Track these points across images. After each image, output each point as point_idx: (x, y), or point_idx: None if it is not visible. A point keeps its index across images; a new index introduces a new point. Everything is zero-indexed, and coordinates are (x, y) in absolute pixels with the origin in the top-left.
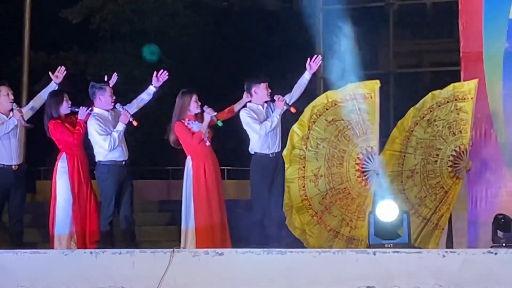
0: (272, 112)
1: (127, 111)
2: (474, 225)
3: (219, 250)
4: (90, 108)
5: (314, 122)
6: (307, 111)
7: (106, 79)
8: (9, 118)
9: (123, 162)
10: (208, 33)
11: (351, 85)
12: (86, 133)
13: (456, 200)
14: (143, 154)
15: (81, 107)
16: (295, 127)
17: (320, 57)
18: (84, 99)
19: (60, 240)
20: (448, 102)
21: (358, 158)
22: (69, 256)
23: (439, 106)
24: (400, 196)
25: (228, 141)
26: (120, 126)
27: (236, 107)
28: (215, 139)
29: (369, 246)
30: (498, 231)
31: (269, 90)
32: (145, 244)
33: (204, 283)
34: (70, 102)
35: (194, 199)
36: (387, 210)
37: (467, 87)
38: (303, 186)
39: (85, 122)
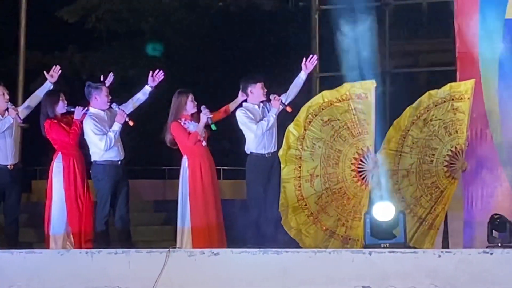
0: (268, 112)
1: (123, 111)
2: (469, 225)
3: (215, 250)
4: (86, 108)
5: (310, 122)
6: (303, 111)
7: (102, 79)
8: (4, 117)
9: (119, 162)
10: (204, 33)
11: (347, 85)
12: (82, 133)
13: (451, 200)
14: (139, 154)
15: (77, 107)
16: (291, 127)
17: (315, 57)
18: (79, 99)
19: (56, 240)
20: (444, 101)
21: (354, 158)
22: (65, 256)
23: (436, 105)
24: (396, 195)
25: (224, 141)
26: (116, 126)
27: (232, 106)
28: (211, 139)
29: (365, 246)
30: (493, 231)
31: (265, 90)
32: (141, 244)
33: (200, 283)
34: (66, 102)
35: (190, 199)
36: (383, 210)
37: (463, 87)
38: (299, 186)
39: (81, 122)
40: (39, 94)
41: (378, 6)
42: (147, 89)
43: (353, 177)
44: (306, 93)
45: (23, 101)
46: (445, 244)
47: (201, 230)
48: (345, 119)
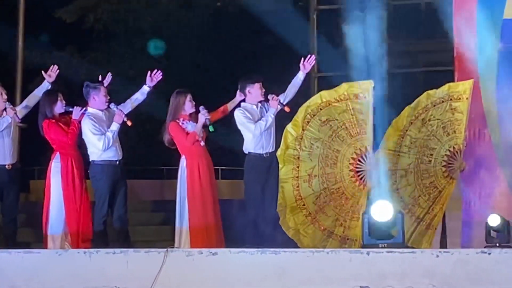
0: (266, 111)
1: (121, 111)
2: (467, 225)
3: (213, 250)
4: (84, 108)
5: (308, 122)
6: (301, 111)
7: (100, 79)
8: (2, 117)
9: (117, 162)
10: (202, 33)
11: (345, 85)
12: (80, 133)
13: (450, 200)
14: (137, 154)
15: (75, 107)
16: (289, 127)
17: (314, 57)
18: (78, 99)
19: (54, 240)
20: (443, 102)
21: (352, 158)
22: (63, 256)
23: (434, 105)
24: (394, 195)
25: (222, 141)
26: (114, 126)
27: (230, 106)
28: (209, 139)
29: (363, 246)
30: (491, 231)
31: (263, 90)
32: (139, 243)
33: (198, 283)
34: (64, 102)
35: (188, 199)
36: (382, 210)
37: (462, 87)
38: (297, 186)
39: (79, 122)
40: (37, 93)
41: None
42: (146, 89)
43: (351, 177)
44: (304, 93)
45: (21, 101)
46: (443, 244)
47: (199, 230)
48: (343, 119)
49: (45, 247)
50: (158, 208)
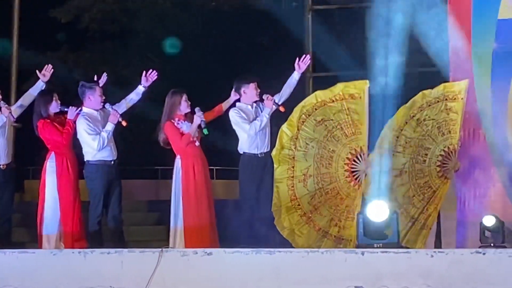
0: (261, 112)
1: (116, 111)
2: (462, 225)
3: (208, 250)
4: (79, 108)
5: (303, 122)
6: (296, 111)
7: (95, 78)
8: None
9: (112, 162)
10: (197, 33)
11: (340, 85)
12: (75, 133)
13: (444, 200)
14: (132, 154)
15: (70, 106)
16: (284, 127)
17: (309, 56)
18: (72, 99)
19: (49, 240)
20: (438, 101)
21: (347, 158)
22: (58, 255)
23: (429, 105)
24: (388, 195)
25: (217, 141)
26: (109, 126)
27: (224, 106)
28: (204, 139)
29: (357, 246)
30: (486, 231)
31: (258, 90)
32: (134, 243)
33: (192, 283)
34: (59, 102)
35: (183, 199)
36: (377, 210)
37: (457, 87)
38: (292, 186)
39: (74, 122)
40: (32, 93)
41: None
42: (141, 89)
43: (346, 177)
44: (299, 93)
45: (16, 101)
46: (438, 244)
47: (193, 230)
48: (338, 119)
49: (40, 247)
50: (153, 208)
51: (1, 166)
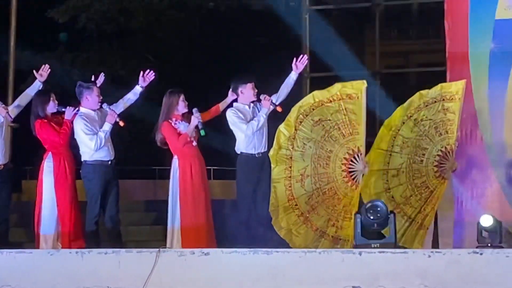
0: (259, 112)
1: (114, 111)
2: (459, 225)
3: (205, 250)
4: (77, 108)
5: (301, 122)
6: (294, 111)
7: (93, 79)
8: None
9: (109, 162)
10: (194, 33)
11: (338, 85)
12: (72, 133)
13: (442, 200)
14: (129, 154)
15: (68, 107)
16: (281, 127)
17: (306, 57)
18: (70, 99)
19: (46, 240)
20: (435, 102)
21: (344, 158)
22: (55, 256)
23: (426, 106)
24: (385, 195)
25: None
26: (107, 126)
27: (222, 106)
28: (202, 139)
29: (355, 246)
30: (483, 231)
31: (256, 90)
32: (131, 243)
33: (190, 283)
34: (57, 102)
35: (180, 199)
36: (374, 210)
37: (455, 87)
38: (290, 186)
39: (72, 122)
40: (29, 93)
41: (368, 6)
42: (138, 89)
43: (344, 177)
44: (296, 93)
45: (13, 101)
46: (435, 244)
47: (190, 230)
48: (336, 119)
49: (37, 247)
50: (151, 208)
51: None
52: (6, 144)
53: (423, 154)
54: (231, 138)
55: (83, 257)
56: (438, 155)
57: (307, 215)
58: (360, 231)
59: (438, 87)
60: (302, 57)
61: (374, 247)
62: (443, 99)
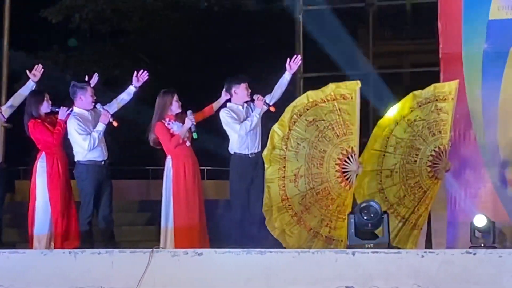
0: (252, 112)
1: (107, 111)
2: (453, 226)
3: (198, 250)
4: (70, 108)
5: (295, 122)
6: (288, 111)
7: (87, 79)
8: None
9: (103, 162)
10: (188, 33)
11: (332, 85)
12: (66, 133)
13: (435, 201)
14: (123, 154)
15: (61, 107)
16: (275, 127)
17: (300, 57)
18: (63, 99)
19: (40, 240)
20: (428, 102)
21: (338, 158)
22: (48, 256)
23: (420, 106)
24: (379, 195)
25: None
26: (100, 126)
27: (215, 106)
28: (195, 139)
29: (348, 247)
30: (476, 231)
31: (249, 90)
32: (125, 244)
33: (183, 283)
34: (50, 102)
35: (173, 199)
36: (367, 211)
37: (448, 87)
38: (283, 186)
39: (65, 122)
40: (22, 93)
41: (362, 6)
42: (132, 89)
43: (337, 177)
44: (290, 94)
45: (7, 101)
46: (429, 245)
47: (184, 230)
48: (329, 119)
49: (31, 247)
50: (144, 208)
51: None
52: None
53: (417, 155)
54: (225, 138)
55: (76, 257)
56: (431, 155)
57: (301, 215)
58: (353, 231)
59: (431, 88)
60: (296, 57)
61: (368, 247)
62: (436, 99)
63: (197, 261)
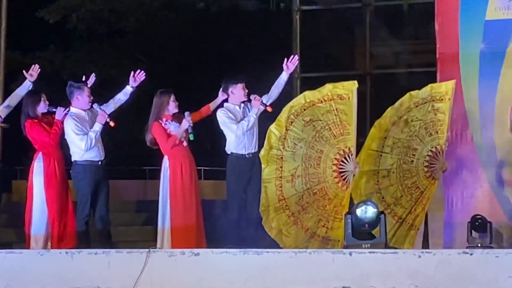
0: (249, 112)
1: (104, 111)
2: (450, 226)
3: (195, 250)
4: (67, 109)
5: (292, 122)
6: (285, 111)
7: (84, 79)
8: None
9: (99, 162)
10: (185, 33)
11: (329, 85)
12: (63, 133)
13: (432, 201)
14: (120, 154)
15: (58, 107)
16: (272, 127)
17: (297, 57)
18: (60, 99)
19: (37, 240)
20: (425, 102)
21: (335, 159)
22: (45, 256)
23: (417, 106)
24: (376, 195)
25: (205, 142)
26: (97, 126)
27: (212, 106)
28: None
29: (345, 247)
30: (473, 231)
31: (246, 91)
32: (121, 244)
33: (180, 283)
34: (47, 102)
35: (170, 199)
36: (365, 211)
37: (444, 88)
38: (280, 187)
39: (62, 122)
40: (19, 93)
41: (359, 7)
42: (128, 89)
43: (334, 177)
44: (287, 94)
45: (4, 101)
46: (425, 245)
47: (181, 230)
48: (326, 119)
49: (28, 247)
50: (141, 208)
51: None
52: None
53: (414, 155)
54: (222, 138)
55: (73, 257)
56: (428, 155)
57: (298, 216)
58: (350, 231)
59: (428, 88)
60: (293, 57)
61: (365, 248)
62: (433, 100)
63: (194, 261)
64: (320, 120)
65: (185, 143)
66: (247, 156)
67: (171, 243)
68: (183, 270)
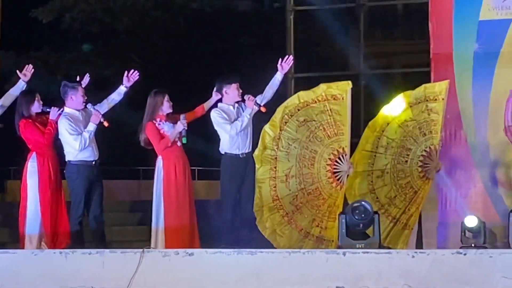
0: (243, 112)
1: (98, 112)
2: (443, 226)
3: (189, 250)
4: (61, 109)
5: (286, 122)
6: (279, 111)
7: (78, 79)
8: None
9: (93, 162)
10: (179, 34)
11: (323, 85)
12: (57, 133)
13: (426, 201)
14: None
15: (52, 107)
16: (266, 128)
17: (291, 57)
18: (54, 99)
19: (31, 240)
20: (419, 102)
21: (329, 159)
22: (39, 256)
23: (411, 106)
24: (370, 195)
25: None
26: (91, 127)
27: (206, 106)
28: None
29: (339, 247)
30: (467, 231)
31: (240, 91)
32: (115, 244)
33: (174, 283)
34: (41, 102)
35: (164, 199)
36: (358, 211)
37: (438, 88)
38: (274, 187)
39: (56, 122)
40: (12, 93)
41: (353, 7)
42: (122, 89)
43: (328, 177)
44: (281, 94)
45: None
46: (419, 245)
47: (174, 230)
48: (320, 120)
49: (22, 247)
50: (135, 208)
51: None
52: None
53: (408, 155)
54: (216, 138)
55: (67, 257)
56: (422, 155)
57: (292, 216)
58: (344, 231)
59: (421, 88)
60: (288, 57)
61: (359, 248)
62: (427, 100)
63: (188, 261)
64: (314, 120)
65: (179, 143)
66: (241, 156)
67: (165, 243)
68: (177, 270)
